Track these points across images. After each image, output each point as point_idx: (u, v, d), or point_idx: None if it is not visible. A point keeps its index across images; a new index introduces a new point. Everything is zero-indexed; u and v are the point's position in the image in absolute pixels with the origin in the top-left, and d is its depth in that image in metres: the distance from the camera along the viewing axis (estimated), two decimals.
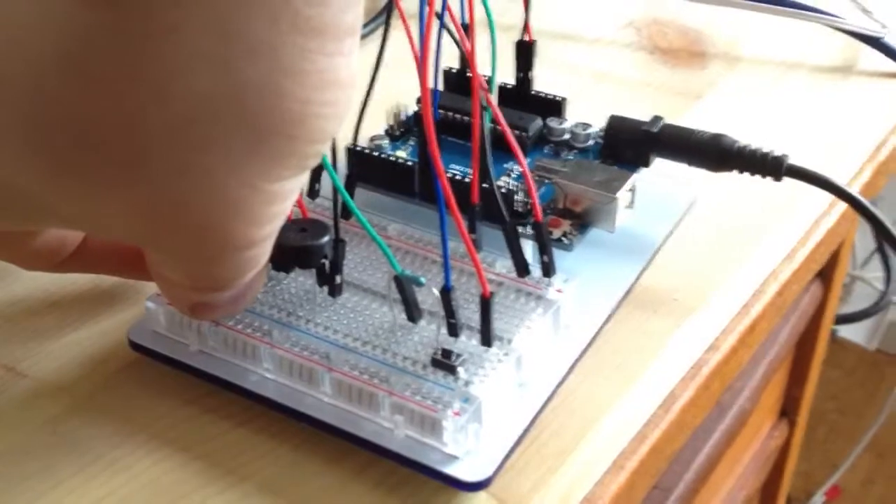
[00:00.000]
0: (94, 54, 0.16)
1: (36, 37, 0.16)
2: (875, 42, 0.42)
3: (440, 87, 0.33)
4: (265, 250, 0.20)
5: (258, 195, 0.18)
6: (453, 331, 0.25)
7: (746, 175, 0.30)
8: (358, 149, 0.30)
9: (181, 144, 0.17)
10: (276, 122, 0.17)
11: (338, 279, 0.26)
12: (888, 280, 1.00)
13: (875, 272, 1.10)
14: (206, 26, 0.16)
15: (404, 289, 0.25)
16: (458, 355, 0.25)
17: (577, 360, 0.27)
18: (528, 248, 0.27)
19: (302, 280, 0.27)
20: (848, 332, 1.29)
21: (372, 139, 0.33)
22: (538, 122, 0.33)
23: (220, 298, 0.22)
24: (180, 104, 0.16)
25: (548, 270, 0.27)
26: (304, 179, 0.19)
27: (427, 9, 0.22)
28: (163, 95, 0.16)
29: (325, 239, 0.25)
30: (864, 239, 1.13)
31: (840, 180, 0.31)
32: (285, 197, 0.19)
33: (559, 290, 0.27)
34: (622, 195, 0.30)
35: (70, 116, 0.16)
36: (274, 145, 0.17)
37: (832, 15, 0.43)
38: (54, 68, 0.16)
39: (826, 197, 0.35)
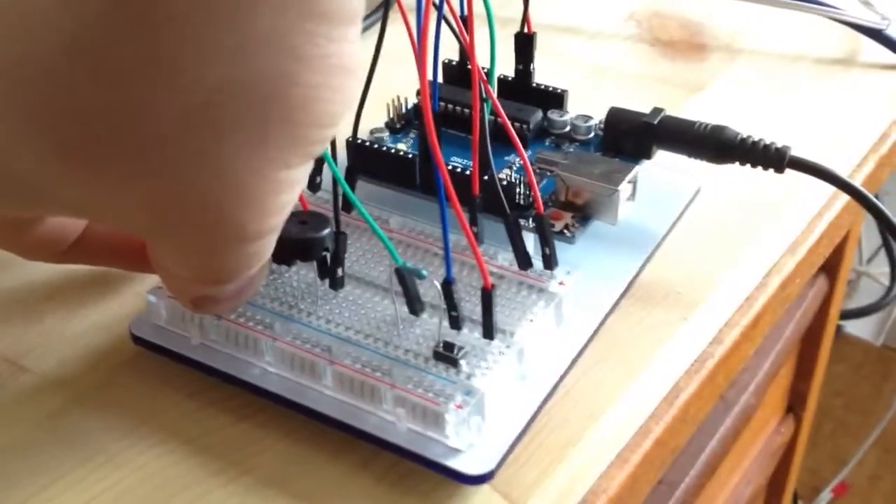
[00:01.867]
0: (103, 42, 0.16)
1: (48, 22, 0.16)
2: (876, 34, 0.42)
3: (439, 79, 0.33)
4: (270, 243, 0.20)
5: (266, 184, 0.18)
6: (455, 323, 0.25)
7: (748, 167, 0.30)
8: (358, 141, 0.30)
9: (191, 134, 0.17)
10: (285, 108, 0.17)
11: (339, 272, 0.26)
12: (894, 275, 1.00)
13: (881, 267, 1.10)
14: (215, 15, 0.16)
15: (406, 281, 0.25)
16: (460, 348, 0.25)
17: (579, 353, 0.27)
18: (530, 241, 0.27)
19: (303, 273, 0.27)
20: (854, 327, 1.28)
21: (372, 132, 0.33)
22: (539, 114, 0.33)
23: (222, 292, 0.22)
24: (191, 94, 0.16)
25: (549, 263, 0.27)
26: (309, 169, 0.19)
27: (424, 0, 0.22)
28: (173, 85, 0.16)
29: (326, 231, 0.25)
30: (870, 234, 1.12)
31: (843, 172, 0.30)
32: (292, 186, 0.19)
33: (561, 283, 0.27)
34: (624, 187, 0.29)
35: (80, 105, 0.16)
36: (282, 132, 0.17)
37: (833, 7, 0.42)
38: (65, 55, 0.16)
39: (828, 189, 0.35)
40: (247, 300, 0.23)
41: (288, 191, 0.19)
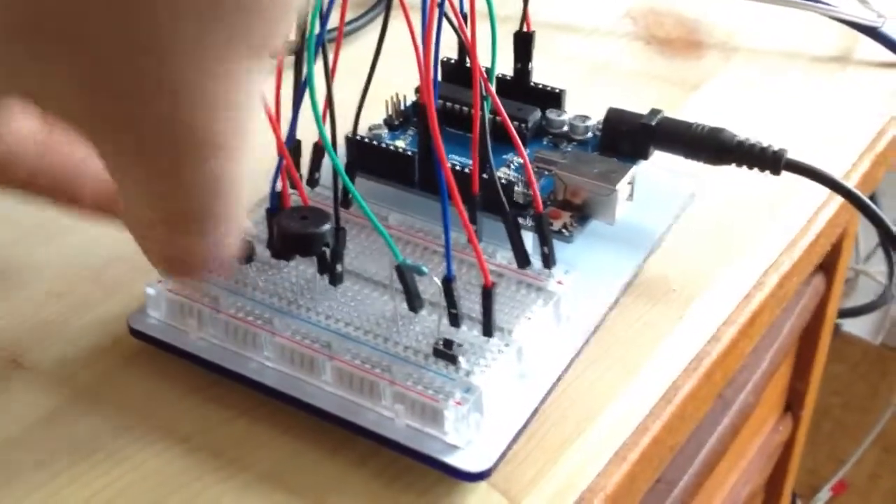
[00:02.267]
0: None
1: None
2: (872, 31, 0.42)
3: (438, 77, 0.33)
4: (231, 165, 0.18)
5: (212, 79, 0.17)
6: (454, 321, 0.25)
7: (745, 168, 0.30)
8: (357, 138, 0.30)
9: (128, 25, 0.16)
10: None
11: (338, 268, 0.26)
12: (892, 274, 1.00)
13: (879, 266, 1.10)
14: None
15: (406, 278, 0.25)
16: (460, 345, 0.25)
17: (578, 352, 0.27)
18: (529, 240, 0.28)
19: (302, 268, 0.27)
20: (852, 326, 1.28)
21: (370, 128, 0.33)
22: (537, 113, 0.33)
23: (195, 249, 0.20)
24: None
25: (548, 262, 0.27)
26: (263, 70, 0.18)
27: None
28: None
29: (326, 227, 0.25)
30: (867, 233, 1.12)
31: (839, 175, 0.31)
32: (242, 84, 0.17)
33: (560, 282, 0.27)
34: (622, 187, 0.30)
35: None
36: (225, 21, 0.16)
37: (829, 4, 0.43)
38: None
39: (825, 188, 0.35)
40: (226, 271, 0.22)
41: (236, 88, 0.17)
